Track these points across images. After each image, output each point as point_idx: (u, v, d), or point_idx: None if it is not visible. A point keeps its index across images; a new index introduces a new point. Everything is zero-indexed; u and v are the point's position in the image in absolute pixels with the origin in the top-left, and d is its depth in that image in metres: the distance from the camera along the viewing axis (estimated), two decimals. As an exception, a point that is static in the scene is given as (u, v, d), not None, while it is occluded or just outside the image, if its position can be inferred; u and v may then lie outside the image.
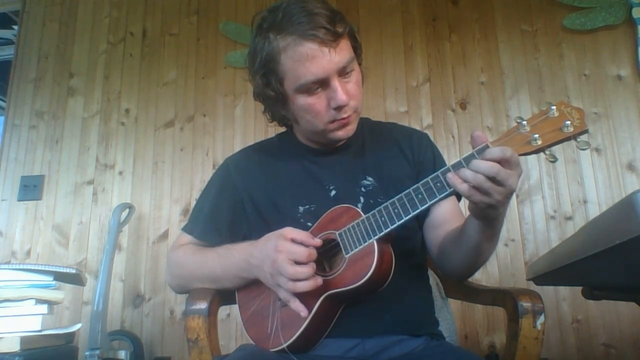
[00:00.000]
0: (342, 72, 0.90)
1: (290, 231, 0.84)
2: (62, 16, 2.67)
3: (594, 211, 1.99)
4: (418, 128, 2.16)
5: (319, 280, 0.81)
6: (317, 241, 0.84)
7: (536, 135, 0.70)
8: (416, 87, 2.28)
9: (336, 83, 0.89)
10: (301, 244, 0.83)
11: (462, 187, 0.72)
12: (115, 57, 2.56)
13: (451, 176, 0.73)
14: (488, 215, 0.78)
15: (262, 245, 0.87)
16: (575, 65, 2.17)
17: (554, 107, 0.71)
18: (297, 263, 0.80)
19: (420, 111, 2.24)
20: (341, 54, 0.88)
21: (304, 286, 0.79)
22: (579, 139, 0.70)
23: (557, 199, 2.05)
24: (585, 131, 0.70)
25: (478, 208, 0.76)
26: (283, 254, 0.81)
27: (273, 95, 0.95)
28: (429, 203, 0.77)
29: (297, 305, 0.82)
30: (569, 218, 2.02)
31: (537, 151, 0.71)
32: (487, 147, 0.72)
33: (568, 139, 0.70)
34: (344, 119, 0.93)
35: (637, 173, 2.02)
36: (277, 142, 1.12)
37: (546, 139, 0.71)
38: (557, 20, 2.22)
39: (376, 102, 2.27)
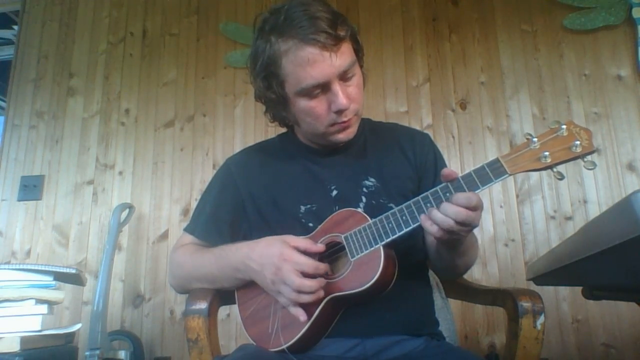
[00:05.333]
0: (343, 76, 0.90)
1: (292, 239, 0.85)
2: (62, 16, 2.67)
3: (594, 211, 1.99)
4: (418, 128, 2.16)
5: (321, 294, 0.81)
6: (320, 247, 0.85)
7: (546, 153, 0.73)
8: (416, 87, 2.28)
9: (337, 87, 0.89)
10: (304, 251, 0.83)
11: (433, 229, 0.76)
12: (115, 57, 2.56)
13: (424, 219, 0.77)
14: (452, 244, 0.83)
15: (262, 249, 0.86)
16: (575, 65, 2.17)
17: (564, 127, 0.73)
18: (304, 274, 0.81)
19: (420, 111, 2.24)
20: (342, 57, 0.88)
21: (307, 299, 0.80)
22: (586, 159, 0.72)
23: (557, 199, 2.05)
24: (593, 152, 0.72)
25: (441, 240, 0.80)
26: (289, 263, 0.81)
27: (274, 97, 0.95)
28: None
29: (296, 311, 0.82)
30: (569, 218, 2.02)
31: (545, 168, 0.74)
32: (458, 180, 0.76)
33: (576, 158, 0.73)
34: (344, 122, 0.93)
35: (637, 173, 2.02)
36: (278, 143, 1.12)
37: (555, 157, 0.73)
38: (557, 20, 2.22)
39: (376, 102, 2.27)
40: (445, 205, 0.75)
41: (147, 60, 2.53)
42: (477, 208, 0.75)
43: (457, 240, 0.82)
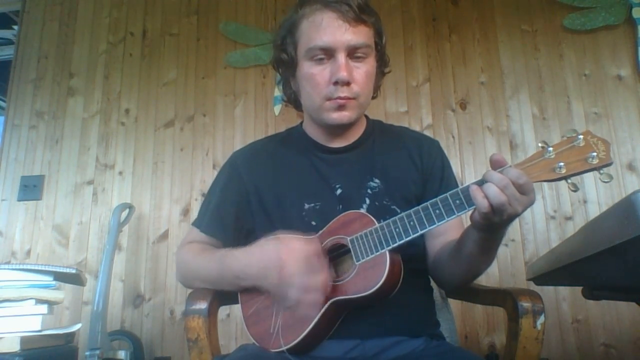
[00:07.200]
0: (352, 53, 0.92)
1: (284, 237, 0.84)
2: (62, 16, 2.67)
3: (594, 211, 1.99)
4: (418, 128, 2.17)
5: (328, 288, 0.81)
6: (316, 243, 0.84)
7: (561, 164, 0.70)
8: (416, 87, 2.28)
9: (342, 58, 0.91)
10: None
11: (483, 203, 0.71)
12: (115, 57, 2.56)
13: (475, 190, 0.72)
14: (488, 228, 0.78)
15: (259, 255, 0.85)
16: (575, 65, 2.17)
17: (580, 137, 0.71)
18: (307, 268, 0.79)
19: (420, 111, 2.24)
20: (356, 35, 0.91)
21: (314, 297, 0.79)
22: (602, 171, 0.70)
23: (557, 199, 2.05)
24: (610, 164, 0.69)
25: (482, 220, 0.75)
26: (289, 259, 0.79)
27: (286, 59, 0.99)
28: (446, 219, 0.77)
29: (306, 310, 0.81)
30: (569, 218, 2.02)
31: (559, 179, 0.71)
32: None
33: (592, 170, 0.70)
34: (340, 98, 0.93)
35: (637, 173, 2.02)
36: (286, 136, 1.12)
37: (570, 168, 0.70)
38: (557, 20, 2.22)
39: (376, 102, 2.23)
40: (489, 171, 0.72)
41: (147, 60, 2.53)
42: (521, 188, 0.71)
43: (492, 227, 0.77)
